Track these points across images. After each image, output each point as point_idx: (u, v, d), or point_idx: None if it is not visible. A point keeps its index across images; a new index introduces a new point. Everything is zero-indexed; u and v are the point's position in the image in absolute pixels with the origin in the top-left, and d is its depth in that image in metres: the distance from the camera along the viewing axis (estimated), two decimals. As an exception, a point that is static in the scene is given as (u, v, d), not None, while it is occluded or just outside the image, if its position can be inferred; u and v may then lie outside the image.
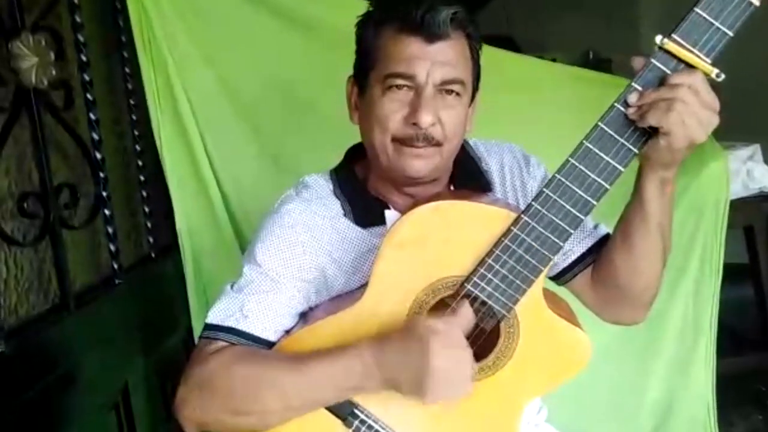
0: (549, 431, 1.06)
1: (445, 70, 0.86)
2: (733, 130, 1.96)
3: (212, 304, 0.90)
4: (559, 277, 1.00)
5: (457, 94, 0.88)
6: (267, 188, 1.02)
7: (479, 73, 0.93)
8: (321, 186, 0.95)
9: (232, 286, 0.90)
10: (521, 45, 2.79)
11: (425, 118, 0.85)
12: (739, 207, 1.76)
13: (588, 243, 0.97)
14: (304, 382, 0.81)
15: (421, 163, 0.88)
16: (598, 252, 0.97)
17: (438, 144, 0.87)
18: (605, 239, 0.97)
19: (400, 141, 0.87)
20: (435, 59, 0.85)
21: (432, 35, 0.85)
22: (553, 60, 1.99)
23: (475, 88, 0.94)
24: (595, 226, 1.00)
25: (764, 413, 2.02)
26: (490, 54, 1.50)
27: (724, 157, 1.52)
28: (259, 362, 0.84)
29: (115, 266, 1.26)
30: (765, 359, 2.07)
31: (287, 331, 0.89)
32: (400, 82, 0.86)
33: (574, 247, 0.97)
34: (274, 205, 0.94)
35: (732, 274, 1.61)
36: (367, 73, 0.90)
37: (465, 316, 0.79)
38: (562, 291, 0.96)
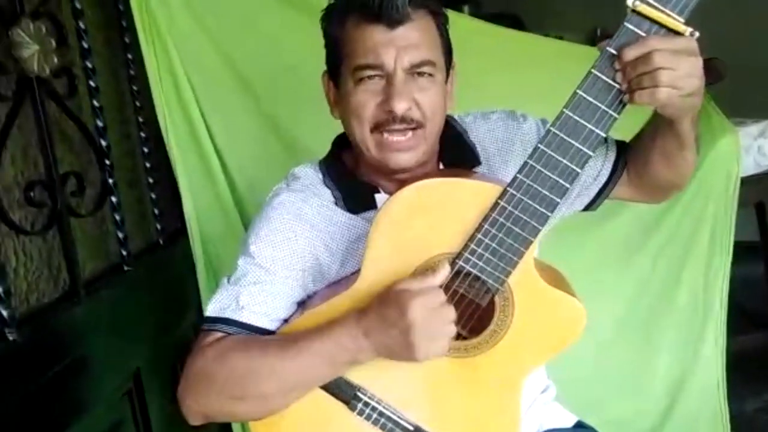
0: (557, 410, 1.06)
1: (413, 54, 0.85)
2: (744, 106, 1.94)
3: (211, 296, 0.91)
4: (594, 203, 1.01)
5: (430, 74, 0.87)
6: (275, 172, 1.02)
7: (450, 49, 0.92)
8: (310, 176, 0.95)
9: (228, 279, 0.91)
10: (528, 23, 2.75)
11: (399, 105, 0.85)
12: (750, 184, 1.74)
13: (611, 159, 0.98)
14: (298, 363, 0.82)
15: (407, 156, 0.88)
16: (624, 161, 0.97)
17: (420, 126, 0.87)
18: (623, 147, 0.99)
19: (379, 128, 0.87)
20: (400, 44, 0.85)
21: (393, 20, 0.84)
22: (560, 38, 1.96)
23: (449, 64, 0.93)
24: (605, 140, 0.99)
25: (775, 390, 2.02)
26: (493, 32, 1.50)
27: (735, 134, 1.50)
28: (253, 348, 0.85)
29: (124, 253, 1.26)
30: (776, 337, 2.06)
31: (286, 320, 0.90)
32: (369, 72, 0.86)
33: (602, 170, 0.98)
34: (267, 198, 0.95)
35: (743, 251, 1.60)
36: (338, 68, 0.90)
37: (441, 272, 0.80)
38: (564, 259, 0.96)
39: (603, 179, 0.98)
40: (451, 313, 0.79)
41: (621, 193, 1.00)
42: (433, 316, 0.78)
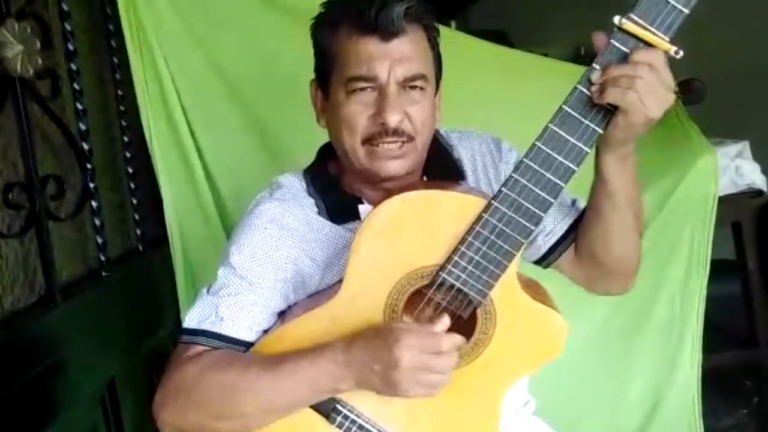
0: (536, 424, 1.06)
1: (406, 67, 0.85)
2: (723, 126, 1.98)
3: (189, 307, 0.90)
4: (544, 259, 1.00)
5: (421, 88, 0.88)
6: (260, 179, 1.02)
7: (440, 62, 0.93)
8: (294, 185, 0.95)
9: (208, 290, 0.90)
10: (514, 40, 2.79)
11: (392, 117, 0.85)
12: (727, 203, 1.77)
13: (568, 221, 0.97)
14: (281, 386, 0.81)
15: (397, 163, 0.88)
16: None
17: (410, 138, 0.87)
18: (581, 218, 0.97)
19: (370, 141, 0.87)
20: (394, 57, 0.85)
21: (388, 33, 0.84)
22: (545, 55, 1.99)
23: (439, 78, 0.93)
24: (573, 202, 0.99)
25: (749, 408, 2.05)
26: (480, 47, 1.52)
27: (714, 154, 1.53)
28: (235, 366, 0.84)
29: (103, 259, 1.25)
30: (751, 355, 2.09)
31: (266, 331, 0.89)
32: (362, 84, 0.86)
33: (556, 227, 0.97)
34: (249, 207, 0.94)
35: (720, 270, 1.62)
36: (329, 77, 0.89)
37: (441, 322, 0.80)
38: (540, 276, 0.96)
39: (554, 238, 0.97)
40: (446, 363, 0.78)
41: (565, 266, 0.98)
42: (423, 358, 0.77)
